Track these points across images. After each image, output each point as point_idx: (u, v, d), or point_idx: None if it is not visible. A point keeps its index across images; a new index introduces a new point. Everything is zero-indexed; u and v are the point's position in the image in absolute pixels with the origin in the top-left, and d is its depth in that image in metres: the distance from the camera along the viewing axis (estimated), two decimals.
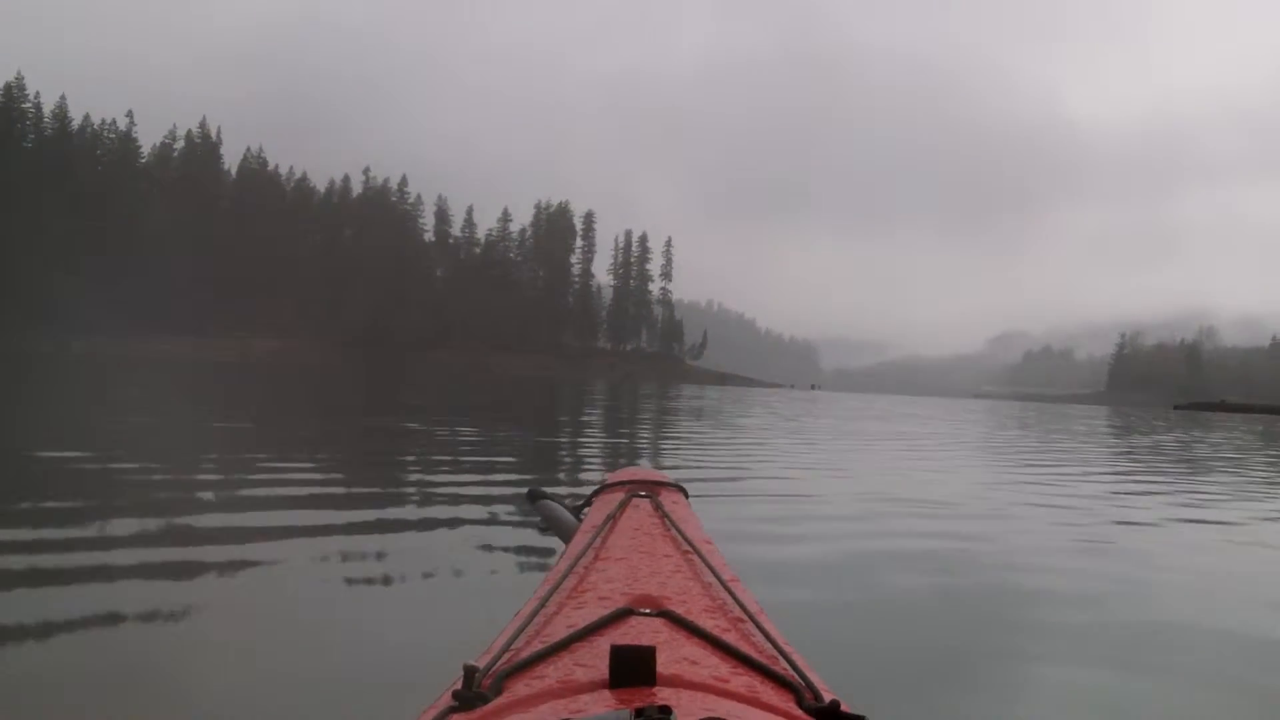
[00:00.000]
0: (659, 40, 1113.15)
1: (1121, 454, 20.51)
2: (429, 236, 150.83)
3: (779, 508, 8.29)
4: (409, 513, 7.26)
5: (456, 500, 7.90)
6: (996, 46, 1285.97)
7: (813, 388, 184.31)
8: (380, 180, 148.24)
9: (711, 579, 1.78)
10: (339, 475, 9.70)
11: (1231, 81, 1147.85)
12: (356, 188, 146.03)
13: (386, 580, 5.06)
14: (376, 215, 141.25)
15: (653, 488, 2.55)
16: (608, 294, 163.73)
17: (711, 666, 1.32)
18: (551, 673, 1.28)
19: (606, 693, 1.19)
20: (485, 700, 1.21)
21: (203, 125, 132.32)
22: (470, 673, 1.25)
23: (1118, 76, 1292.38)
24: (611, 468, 10.82)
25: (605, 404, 33.70)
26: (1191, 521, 9.20)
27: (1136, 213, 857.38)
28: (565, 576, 1.74)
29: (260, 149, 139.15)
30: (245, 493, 7.67)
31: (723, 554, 2.04)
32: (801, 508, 8.40)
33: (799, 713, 1.24)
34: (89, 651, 3.54)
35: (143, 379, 31.86)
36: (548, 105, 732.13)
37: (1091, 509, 9.61)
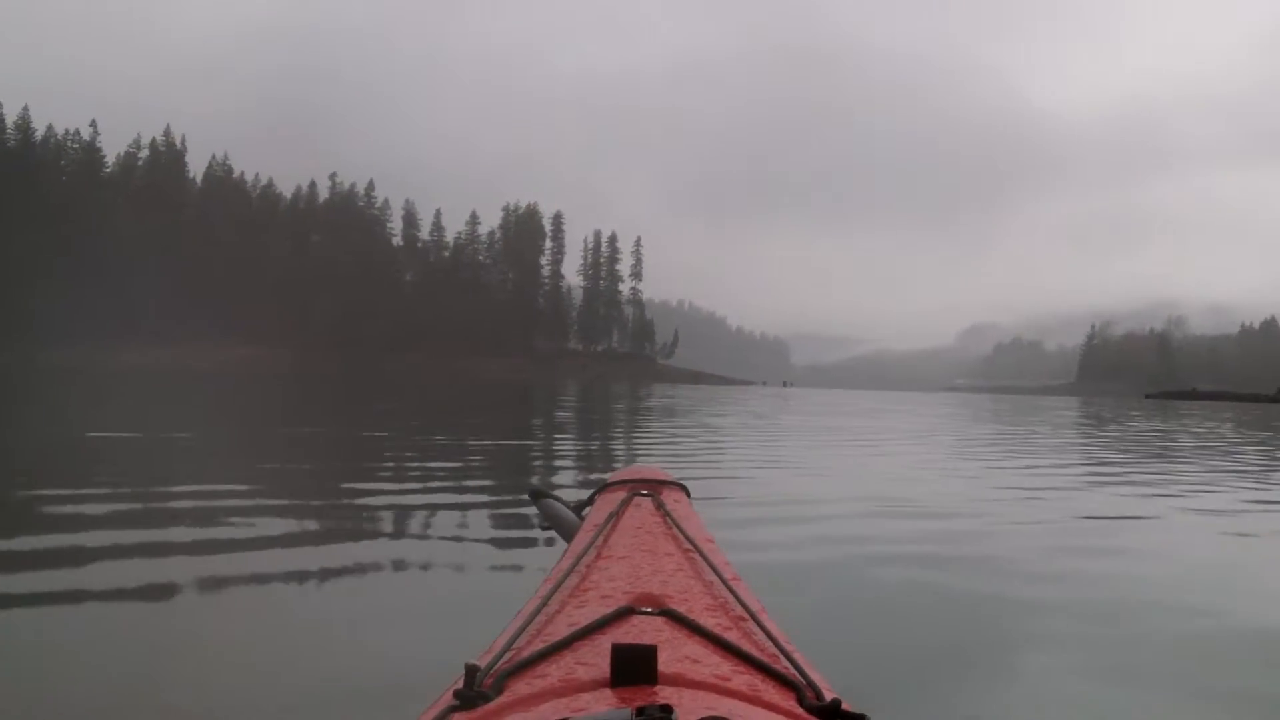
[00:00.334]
0: (625, 39, 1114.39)
1: (1107, 446, 20.58)
2: (397, 241, 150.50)
3: (767, 508, 8.28)
4: (408, 514, 7.26)
5: (456, 501, 7.95)
6: (963, 37, 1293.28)
7: (785, 385, 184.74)
8: (347, 185, 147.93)
9: (713, 578, 1.78)
10: (337, 478, 9.68)
11: (1198, 67, 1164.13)
12: (324, 193, 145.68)
13: (388, 580, 5.08)
14: (344, 220, 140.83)
15: (655, 486, 2.53)
16: (578, 295, 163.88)
17: (713, 665, 1.32)
18: (553, 672, 1.29)
19: (608, 691, 1.20)
20: (487, 699, 1.21)
21: (167, 134, 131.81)
22: (472, 671, 1.25)
23: (1085, 64, 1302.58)
24: (592, 467, 10.82)
25: (577, 406, 33.69)
26: (1187, 511, 9.24)
27: (1105, 202, 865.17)
28: (567, 575, 1.74)
29: (225, 156, 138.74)
30: (248, 496, 7.64)
31: (724, 553, 2.03)
32: (793, 508, 8.36)
33: (800, 711, 1.24)
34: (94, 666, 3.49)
35: (121, 389, 31.66)
36: (515, 106, 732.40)
37: (1085, 503, 9.66)
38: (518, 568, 5.30)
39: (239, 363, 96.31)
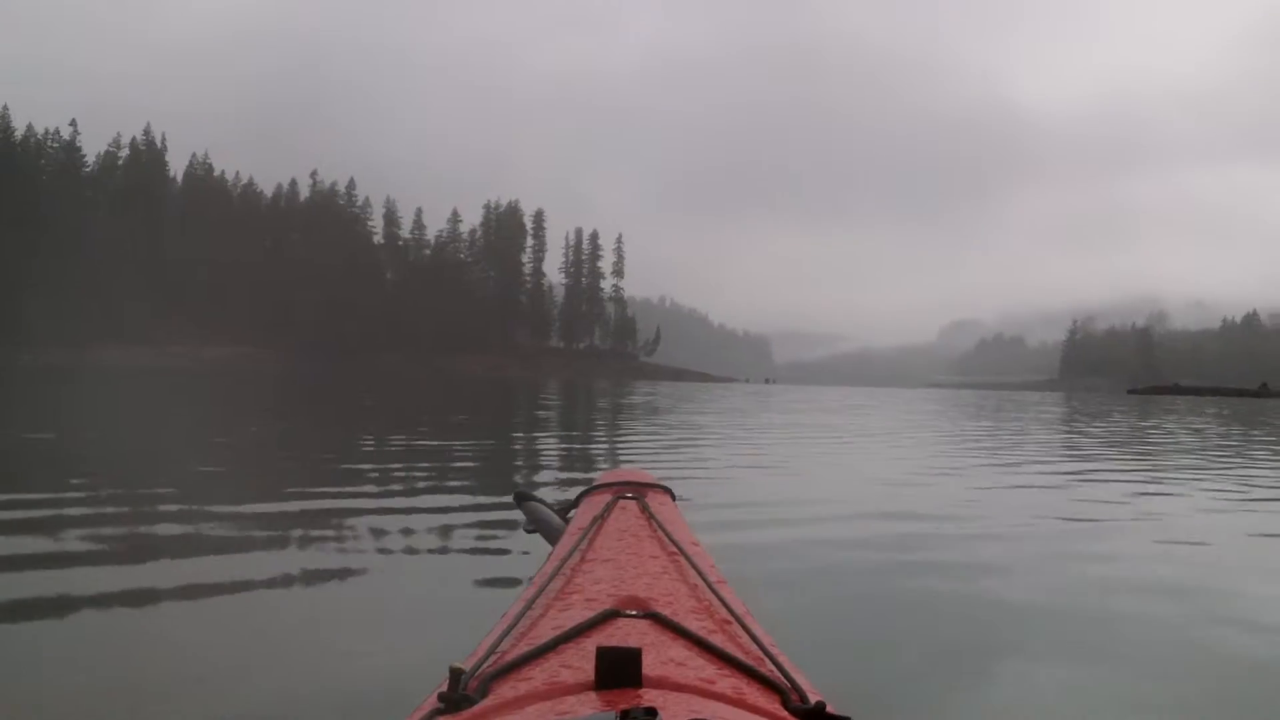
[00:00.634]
0: (604, 37, 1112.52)
1: (1099, 442, 20.53)
2: (378, 239, 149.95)
3: (748, 509, 8.29)
4: (392, 516, 7.24)
5: (441, 503, 7.92)
6: (943, 32, 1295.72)
7: (767, 381, 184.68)
8: (328, 184, 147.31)
9: (698, 581, 1.77)
10: (321, 481, 9.63)
11: (1175, 64, 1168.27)
12: (304, 192, 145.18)
13: (371, 583, 5.08)
14: (325, 219, 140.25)
15: (640, 489, 2.55)
16: (560, 292, 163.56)
17: (698, 668, 1.32)
18: (538, 675, 1.28)
19: (593, 695, 1.19)
20: (471, 702, 1.21)
21: (147, 133, 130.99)
22: (456, 675, 1.24)
23: (1065, 60, 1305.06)
24: (573, 468, 10.83)
25: (559, 404, 33.67)
26: (1183, 510, 9.27)
27: (1087, 198, 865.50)
28: (552, 578, 1.74)
29: (206, 155, 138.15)
30: (228, 500, 7.60)
31: (709, 556, 2.04)
32: (774, 509, 8.39)
33: (785, 714, 1.24)
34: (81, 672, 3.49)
35: (107, 389, 31.50)
36: (495, 104, 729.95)
37: (1071, 502, 9.69)
38: (502, 571, 5.28)
39: (219, 362, 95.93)
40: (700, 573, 1.81)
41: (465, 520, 7.04)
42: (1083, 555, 6.55)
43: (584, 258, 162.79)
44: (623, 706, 1.03)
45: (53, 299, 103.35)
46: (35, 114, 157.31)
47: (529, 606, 1.59)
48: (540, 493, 2.89)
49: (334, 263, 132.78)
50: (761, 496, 9.32)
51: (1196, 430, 25.86)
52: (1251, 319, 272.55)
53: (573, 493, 2.72)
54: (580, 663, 1.28)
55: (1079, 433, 24.55)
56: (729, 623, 1.57)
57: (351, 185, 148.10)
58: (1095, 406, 52.18)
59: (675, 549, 1.96)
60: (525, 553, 5.44)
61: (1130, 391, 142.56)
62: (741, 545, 6.09)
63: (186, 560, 5.31)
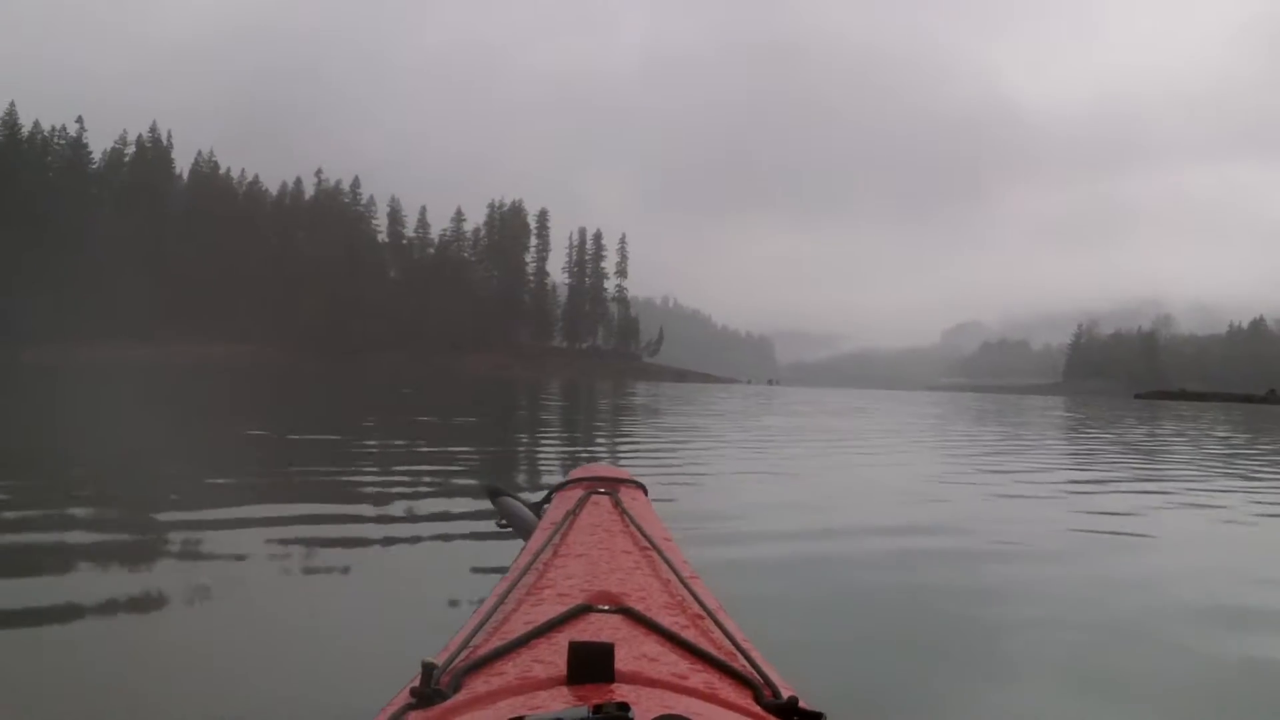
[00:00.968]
0: (602, 36, 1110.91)
1: (1125, 450, 19.58)
2: (382, 237, 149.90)
3: (741, 508, 8.29)
4: (366, 510, 7.21)
5: (414, 497, 7.90)
6: (942, 32, 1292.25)
7: (770, 383, 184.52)
8: (333, 182, 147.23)
9: (670, 576, 1.78)
10: (295, 474, 9.57)
11: (1173, 63, 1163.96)
12: (309, 190, 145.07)
13: (345, 578, 5.08)
14: (329, 217, 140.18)
15: (612, 485, 2.56)
16: (563, 292, 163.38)
17: (670, 663, 1.32)
18: (510, 669, 1.28)
19: (565, 689, 1.19)
20: (444, 697, 1.21)
21: (153, 130, 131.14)
22: (429, 670, 1.24)
23: (1063, 60, 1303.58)
24: (569, 465, 10.83)
25: (559, 404, 33.61)
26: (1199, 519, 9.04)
27: (1088, 199, 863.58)
28: (524, 573, 1.74)
29: (211, 153, 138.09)
30: (198, 492, 7.62)
31: (682, 551, 2.04)
32: (767, 509, 8.36)
33: (757, 709, 1.25)
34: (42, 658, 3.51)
35: (106, 387, 31.47)
36: (498, 104, 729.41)
37: (1066, 503, 9.62)
38: (475, 566, 5.26)
39: (222, 359, 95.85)
40: (673, 568, 1.81)
41: (438, 515, 7.02)
42: (1103, 569, 6.44)
43: (587, 258, 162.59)
44: (595, 701, 1.02)
45: (56, 296, 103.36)
46: (42, 111, 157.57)
47: (501, 601, 1.59)
48: (514, 488, 2.92)
49: (338, 261, 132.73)
50: (751, 496, 9.35)
51: (1223, 438, 25.21)
52: (1259, 324, 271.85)
53: (545, 488, 2.74)
54: (553, 658, 1.28)
55: (1101, 439, 23.87)
56: (701, 618, 1.58)
57: (356, 184, 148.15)
58: (1107, 411, 51.71)
59: (648, 544, 1.97)
60: (498, 548, 5.39)
61: (1137, 396, 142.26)
62: (719, 538, 6.13)
63: (165, 559, 5.31)
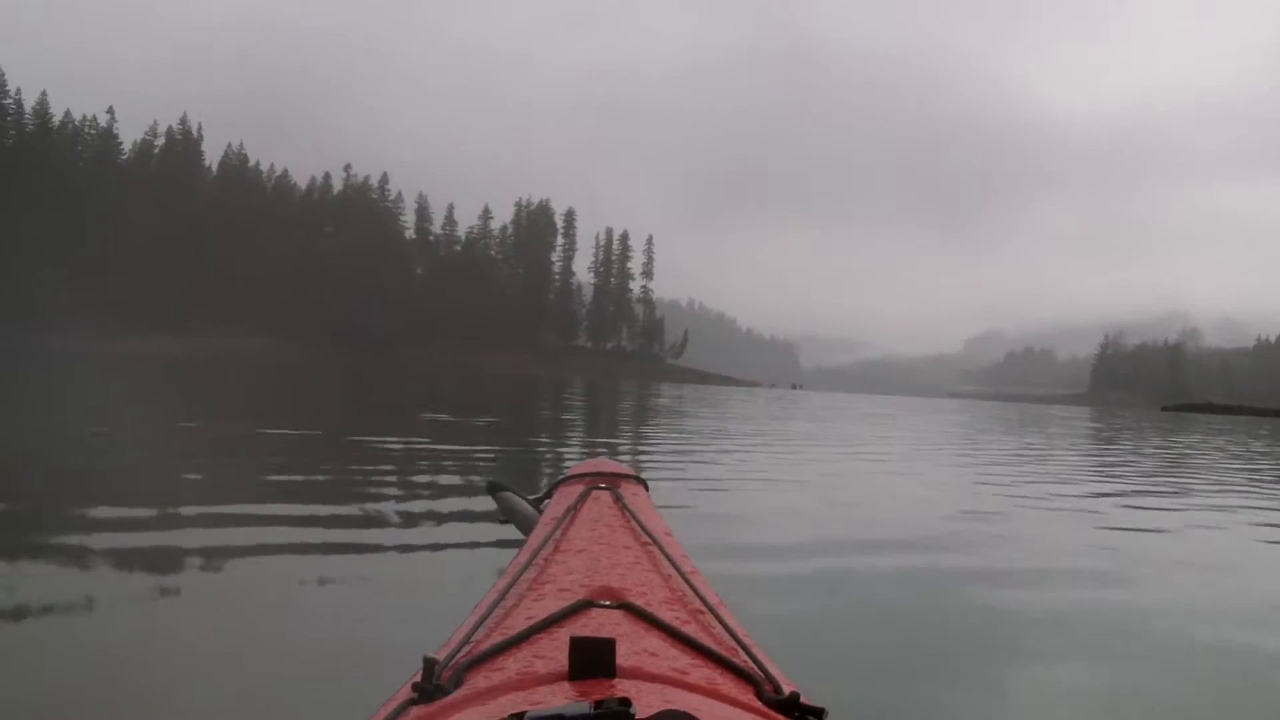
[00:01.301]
0: (634, 37, 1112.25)
1: (1171, 465, 19.03)
2: (409, 234, 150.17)
3: (761, 510, 8.29)
4: (369, 507, 7.22)
5: (417, 494, 7.90)
6: (972, 40, 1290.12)
7: (794, 387, 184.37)
8: (361, 177, 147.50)
9: (671, 571, 1.78)
10: (299, 470, 9.60)
11: (1203, 76, 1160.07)
12: (337, 185, 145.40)
13: (346, 573, 5.07)
14: (357, 212, 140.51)
15: (613, 480, 2.55)
16: (588, 292, 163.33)
17: (671, 658, 1.32)
18: (511, 665, 1.28)
19: (566, 685, 1.19)
20: (445, 692, 1.21)
21: (184, 122, 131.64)
22: (430, 665, 1.24)
23: (1093, 69, 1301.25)
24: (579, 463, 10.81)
25: (582, 403, 33.62)
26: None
27: (1114, 210, 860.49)
28: (525, 568, 1.74)
29: (241, 145, 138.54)
30: (208, 490, 7.65)
31: (683, 546, 2.03)
32: (786, 513, 8.38)
33: (759, 705, 1.24)
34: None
35: (130, 378, 31.62)
36: (526, 105, 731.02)
37: (1073, 510, 9.60)
38: (476, 561, 5.27)
39: (248, 353, 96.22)
40: (673, 563, 1.80)
41: (440, 510, 7.04)
42: (1095, 560, 6.48)
43: (613, 258, 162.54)
44: (596, 697, 1.02)
45: (84, 286, 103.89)
46: (73, 102, 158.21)
47: (502, 597, 1.59)
48: (516, 484, 2.91)
49: (365, 256, 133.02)
50: (772, 498, 9.35)
51: (1262, 452, 24.90)
52: None
53: (547, 483, 2.73)
54: (554, 653, 1.28)
55: (1143, 451, 23.44)
56: (702, 613, 1.57)
57: (384, 180, 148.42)
58: (1136, 422, 51.34)
59: (649, 539, 1.96)
60: (499, 543, 5.41)
61: (1164, 408, 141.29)
62: (723, 538, 6.11)
63: (166, 555, 5.30)
